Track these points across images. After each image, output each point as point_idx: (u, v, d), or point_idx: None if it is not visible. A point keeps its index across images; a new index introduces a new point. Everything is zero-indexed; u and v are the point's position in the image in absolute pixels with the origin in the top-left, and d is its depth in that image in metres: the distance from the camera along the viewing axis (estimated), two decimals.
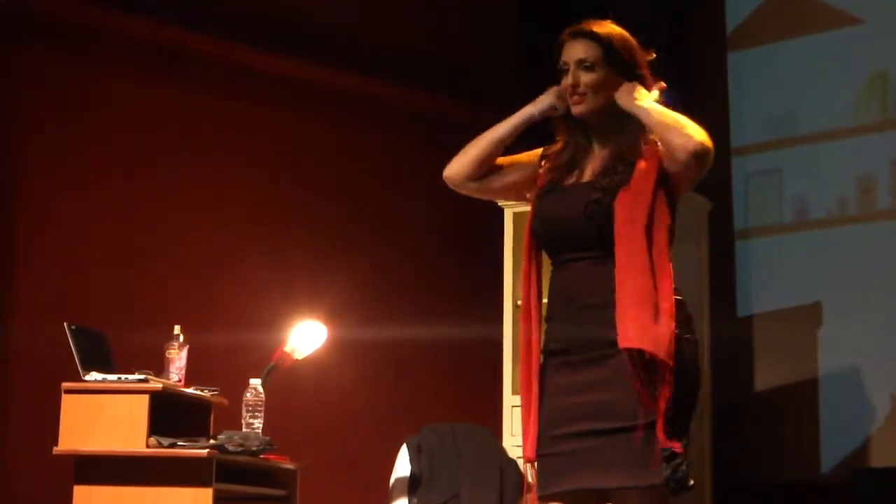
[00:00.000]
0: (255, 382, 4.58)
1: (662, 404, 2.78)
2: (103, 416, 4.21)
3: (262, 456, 4.44)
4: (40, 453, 4.34)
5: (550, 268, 3.06)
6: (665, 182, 2.93)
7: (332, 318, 5.13)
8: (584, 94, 2.99)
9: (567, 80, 3.01)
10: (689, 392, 2.89)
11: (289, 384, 5.13)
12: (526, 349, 3.01)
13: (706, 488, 5.62)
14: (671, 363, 2.79)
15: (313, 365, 5.18)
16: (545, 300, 3.04)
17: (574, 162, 3.06)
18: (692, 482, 2.85)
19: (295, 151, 6.34)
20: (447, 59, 6.84)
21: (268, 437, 4.46)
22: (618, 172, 2.95)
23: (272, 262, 6.11)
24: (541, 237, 3.03)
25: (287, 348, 4.85)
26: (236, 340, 5.54)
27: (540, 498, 2.92)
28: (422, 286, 6.48)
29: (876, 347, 5.83)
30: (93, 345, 4.40)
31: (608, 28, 3.03)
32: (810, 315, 6.03)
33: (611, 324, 2.83)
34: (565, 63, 3.02)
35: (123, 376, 4.26)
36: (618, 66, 3.00)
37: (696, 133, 2.88)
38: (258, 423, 4.52)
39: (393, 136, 6.62)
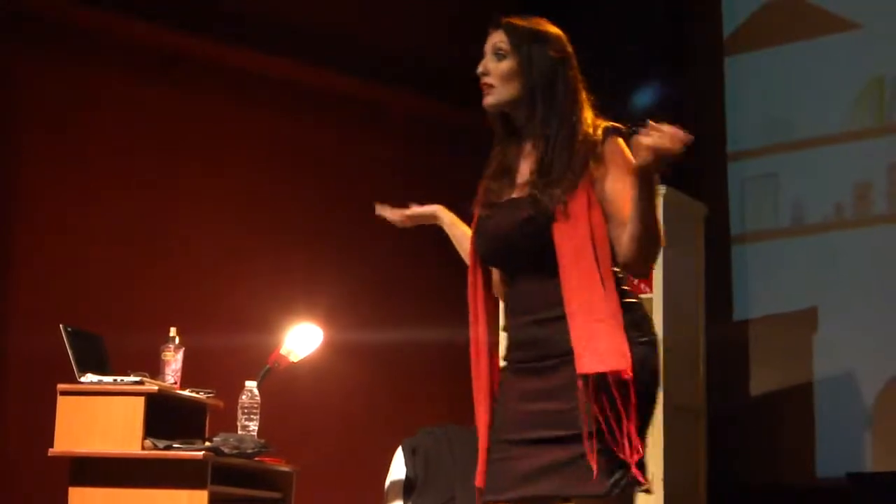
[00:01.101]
0: (251, 385, 4.59)
1: (632, 423, 2.71)
2: (99, 417, 4.22)
3: (257, 458, 4.44)
4: (36, 455, 4.35)
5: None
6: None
7: (328, 320, 5.14)
8: (491, 85, 2.93)
9: (479, 68, 2.94)
10: (645, 398, 2.78)
11: (284, 387, 5.13)
12: (475, 359, 3.02)
13: (702, 491, 5.62)
14: (632, 374, 2.72)
15: (309, 367, 5.19)
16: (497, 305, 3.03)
17: (507, 170, 2.97)
18: (647, 488, 2.75)
19: (294, 154, 6.33)
20: (447, 61, 6.81)
21: (263, 440, 4.46)
22: (551, 180, 2.84)
23: (269, 264, 6.11)
24: (484, 257, 2.99)
25: (283, 351, 4.85)
26: (232, 343, 5.54)
27: (487, 502, 2.86)
28: (418, 289, 6.48)
29: (872, 352, 5.83)
30: (89, 346, 4.40)
31: (533, 21, 2.94)
32: (806, 319, 6.03)
33: (563, 334, 2.77)
34: (484, 53, 2.96)
35: (119, 378, 4.27)
36: (529, 57, 2.90)
37: (649, 260, 2.80)
38: (254, 426, 4.53)
39: (392, 138, 6.62)
